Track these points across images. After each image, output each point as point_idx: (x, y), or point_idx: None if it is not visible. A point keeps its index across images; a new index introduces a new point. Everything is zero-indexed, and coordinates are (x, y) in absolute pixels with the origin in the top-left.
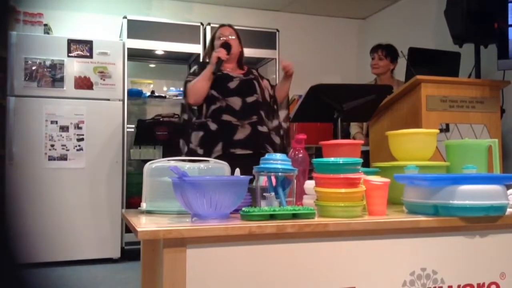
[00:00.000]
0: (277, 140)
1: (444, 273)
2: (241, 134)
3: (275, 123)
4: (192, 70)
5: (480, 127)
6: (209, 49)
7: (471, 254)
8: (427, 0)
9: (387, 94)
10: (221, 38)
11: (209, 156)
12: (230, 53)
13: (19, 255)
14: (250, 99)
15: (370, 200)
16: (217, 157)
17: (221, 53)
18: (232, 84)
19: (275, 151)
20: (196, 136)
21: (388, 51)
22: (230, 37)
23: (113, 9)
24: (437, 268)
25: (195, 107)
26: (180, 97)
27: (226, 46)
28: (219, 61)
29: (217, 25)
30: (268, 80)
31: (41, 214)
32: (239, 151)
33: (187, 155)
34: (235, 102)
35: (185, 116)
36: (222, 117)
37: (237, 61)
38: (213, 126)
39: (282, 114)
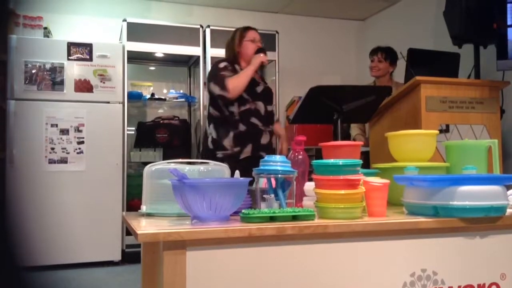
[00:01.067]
0: None
1: (445, 274)
2: (265, 139)
3: None
4: (223, 65)
5: (479, 127)
6: (232, 47)
7: (471, 255)
8: (426, 1)
9: (387, 95)
10: (255, 43)
11: (239, 155)
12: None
13: (20, 258)
14: (269, 108)
15: (370, 201)
16: (246, 158)
17: (264, 58)
18: (259, 89)
19: None
20: (229, 134)
21: (388, 54)
22: (259, 43)
23: (113, 12)
24: (438, 269)
25: (223, 104)
26: (180, 100)
27: (263, 51)
28: (263, 66)
29: (216, 27)
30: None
31: (42, 217)
32: (265, 155)
33: (216, 149)
34: (261, 107)
35: (222, 110)
36: (251, 119)
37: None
38: (242, 127)
39: None
